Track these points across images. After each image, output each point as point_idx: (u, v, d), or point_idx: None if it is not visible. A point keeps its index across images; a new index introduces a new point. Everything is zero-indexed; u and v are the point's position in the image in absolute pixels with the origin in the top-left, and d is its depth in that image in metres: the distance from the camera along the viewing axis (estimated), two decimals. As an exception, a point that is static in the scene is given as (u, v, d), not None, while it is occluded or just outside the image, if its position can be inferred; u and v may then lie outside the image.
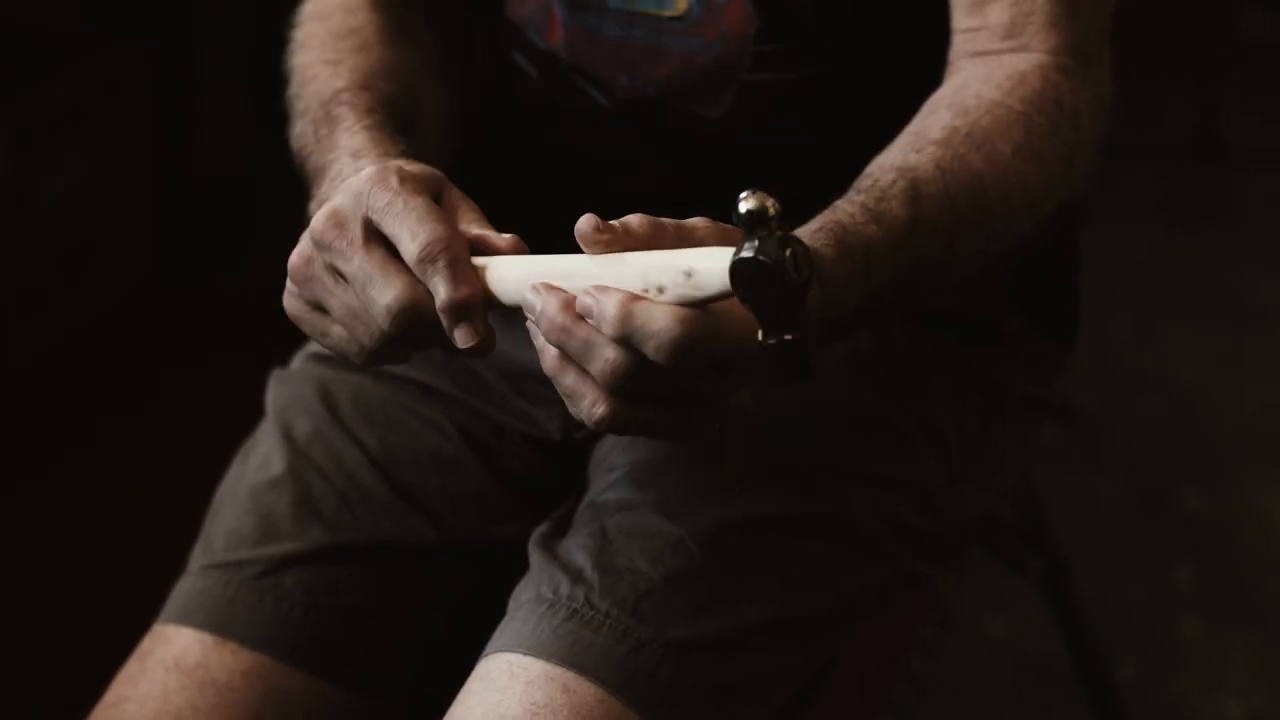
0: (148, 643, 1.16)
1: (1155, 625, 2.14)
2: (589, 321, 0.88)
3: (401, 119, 1.11)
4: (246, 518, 1.19)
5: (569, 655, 1.02)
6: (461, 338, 0.94)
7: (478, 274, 0.94)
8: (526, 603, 1.06)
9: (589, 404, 0.90)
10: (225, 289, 2.60)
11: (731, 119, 1.15)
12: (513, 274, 0.94)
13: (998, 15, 1.10)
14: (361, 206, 0.96)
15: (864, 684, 1.29)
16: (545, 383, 1.20)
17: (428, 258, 0.93)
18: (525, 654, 1.03)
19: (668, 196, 1.16)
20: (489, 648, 1.06)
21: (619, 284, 0.88)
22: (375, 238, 0.95)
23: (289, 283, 1.00)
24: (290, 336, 1.33)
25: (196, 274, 2.64)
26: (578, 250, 0.95)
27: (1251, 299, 2.86)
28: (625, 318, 0.87)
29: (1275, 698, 2.04)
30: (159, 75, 2.58)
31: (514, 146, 1.25)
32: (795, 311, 0.84)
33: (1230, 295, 2.87)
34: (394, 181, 0.96)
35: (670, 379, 0.88)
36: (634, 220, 0.90)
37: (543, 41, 1.18)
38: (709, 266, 0.86)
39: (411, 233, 0.94)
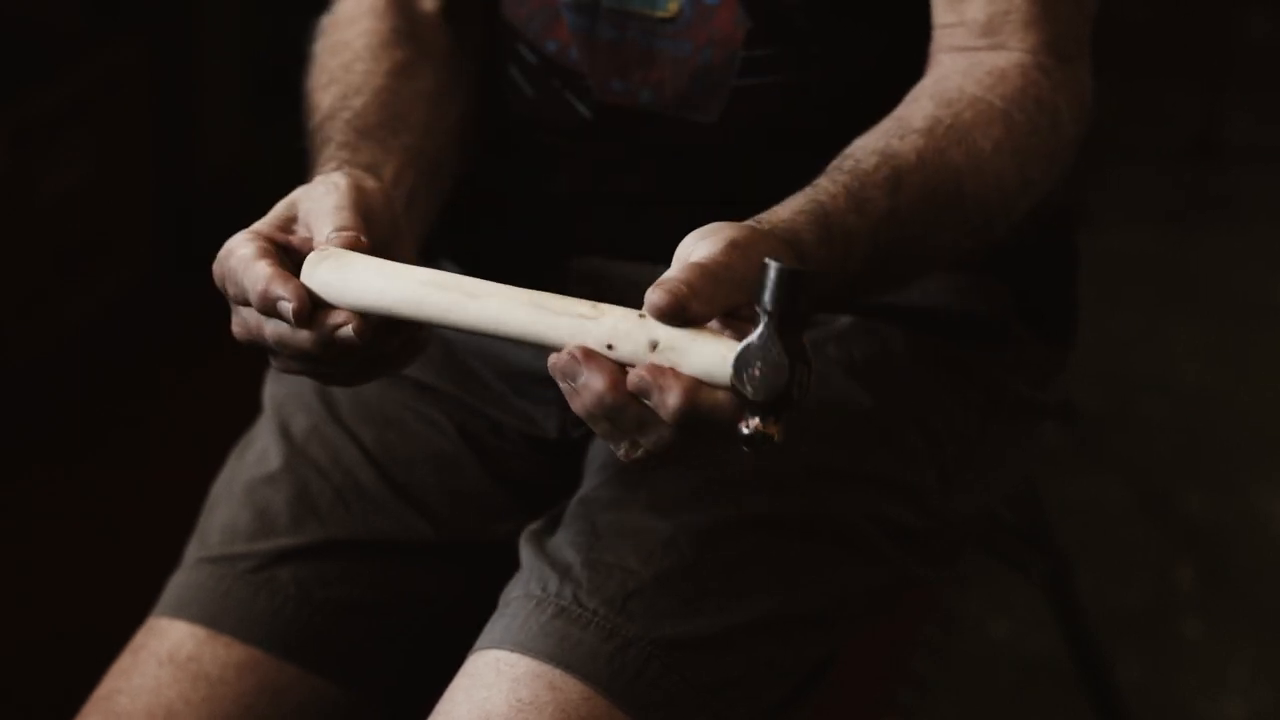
0: (141, 636, 1.16)
1: (1157, 626, 2.14)
2: (644, 400, 0.87)
3: (368, 131, 1.11)
4: (242, 512, 1.19)
5: (556, 653, 1.02)
6: (350, 334, 0.94)
7: (299, 285, 0.94)
8: (515, 599, 1.06)
9: (624, 451, 0.90)
10: (225, 288, 2.60)
11: (722, 125, 1.15)
12: (372, 278, 0.93)
13: (974, 12, 1.10)
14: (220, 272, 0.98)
15: (864, 684, 1.29)
16: (543, 382, 1.20)
17: (264, 305, 0.95)
18: (512, 651, 1.03)
19: (660, 203, 1.16)
20: (477, 644, 1.06)
21: (578, 335, 0.88)
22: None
23: (271, 359, 1.00)
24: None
25: (196, 274, 2.63)
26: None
27: (1253, 297, 2.86)
28: (690, 409, 0.85)
29: (1277, 698, 2.04)
30: (159, 74, 2.58)
31: (505, 157, 1.24)
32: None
33: (1232, 294, 2.87)
34: (229, 259, 0.97)
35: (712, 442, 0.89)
36: (697, 279, 0.88)
37: (541, 43, 1.18)
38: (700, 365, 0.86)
39: (249, 286, 0.95)
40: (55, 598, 2.06)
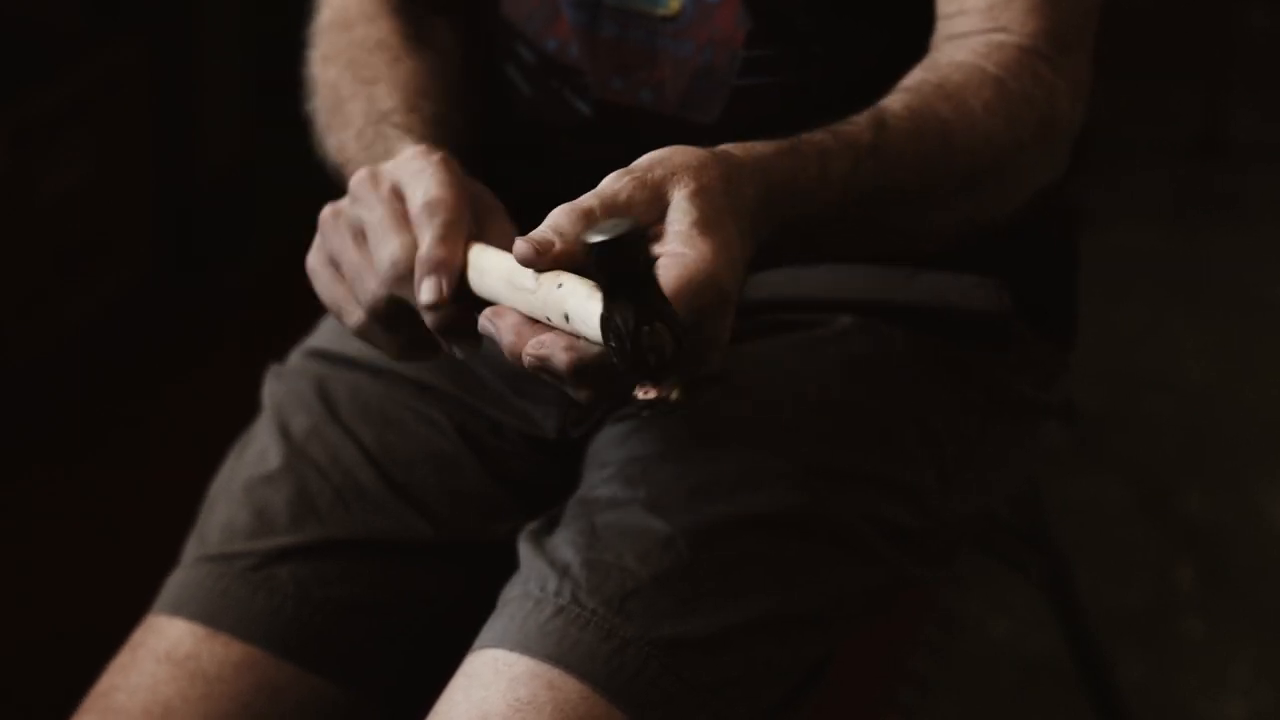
0: (140, 633, 1.16)
1: (1157, 626, 2.14)
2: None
3: (449, 139, 1.12)
4: (241, 511, 1.18)
5: (554, 652, 1.02)
6: (426, 290, 0.96)
7: (465, 249, 0.97)
8: (514, 599, 1.06)
9: (571, 390, 0.92)
10: (225, 289, 2.60)
11: (722, 125, 1.15)
12: (492, 267, 0.96)
13: (975, 0, 1.10)
14: (399, 170, 1.00)
15: (864, 684, 1.29)
16: (542, 382, 1.20)
17: (426, 210, 0.97)
18: (511, 650, 1.03)
19: None
20: (476, 643, 1.06)
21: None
22: (400, 197, 0.99)
23: (317, 235, 1.03)
24: (289, 336, 1.33)
25: (196, 274, 2.64)
26: None
27: (1258, 295, 2.86)
28: (579, 365, 0.88)
29: (1277, 698, 2.04)
30: (159, 74, 2.58)
31: (504, 157, 1.24)
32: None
33: (1237, 291, 2.87)
34: (435, 155, 1.00)
35: None
36: (561, 220, 0.91)
37: (541, 41, 1.18)
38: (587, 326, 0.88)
39: (424, 189, 0.98)
40: (55, 598, 2.06)
